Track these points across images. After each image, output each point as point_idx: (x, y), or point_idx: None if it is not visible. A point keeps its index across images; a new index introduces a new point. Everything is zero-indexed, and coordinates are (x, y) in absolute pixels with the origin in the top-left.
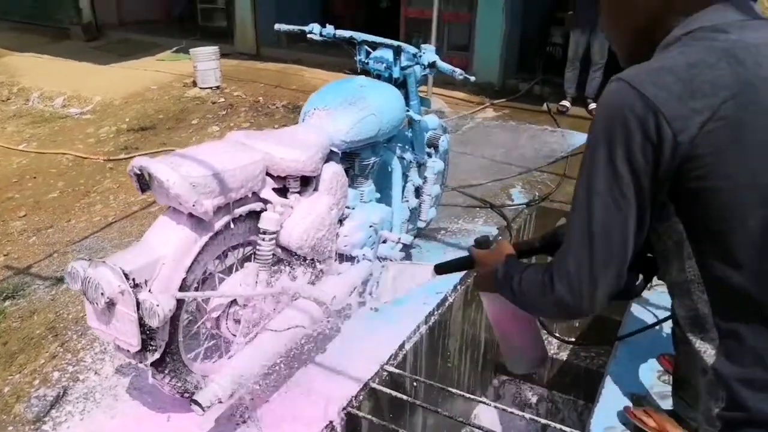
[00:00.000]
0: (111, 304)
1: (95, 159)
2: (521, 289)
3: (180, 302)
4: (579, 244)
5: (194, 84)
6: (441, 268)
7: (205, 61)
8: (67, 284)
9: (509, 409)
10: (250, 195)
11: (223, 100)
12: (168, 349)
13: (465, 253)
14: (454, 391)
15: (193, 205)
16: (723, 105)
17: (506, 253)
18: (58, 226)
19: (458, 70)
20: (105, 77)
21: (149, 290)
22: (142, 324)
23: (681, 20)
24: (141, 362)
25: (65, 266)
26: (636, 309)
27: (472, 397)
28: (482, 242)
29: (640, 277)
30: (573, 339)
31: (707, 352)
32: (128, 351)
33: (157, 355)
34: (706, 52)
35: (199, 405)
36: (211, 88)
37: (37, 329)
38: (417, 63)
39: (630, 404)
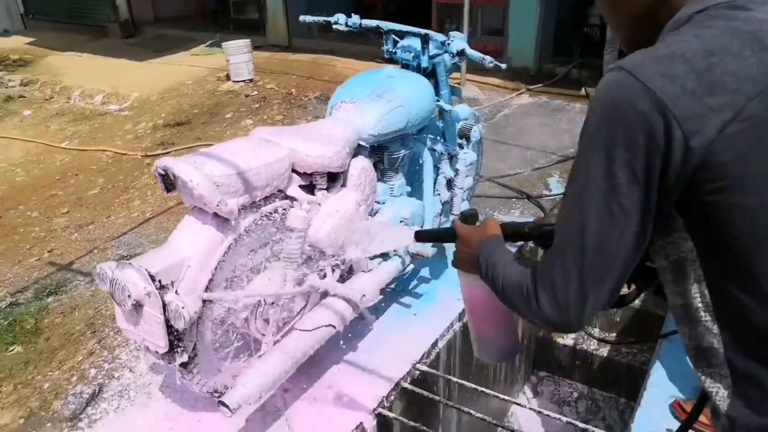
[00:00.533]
0: (138, 306)
1: (133, 155)
2: (503, 289)
3: (207, 303)
4: (569, 256)
5: (228, 77)
6: (421, 236)
7: (238, 55)
8: (97, 285)
9: (545, 412)
10: (276, 193)
11: (256, 93)
12: (196, 349)
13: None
14: (488, 391)
15: (218, 205)
16: (749, 103)
17: (491, 234)
18: (99, 222)
19: (488, 58)
20: (142, 73)
21: (175, 292)
22: (169, 325)
23: None
24: (169, 363)
25: (105, 261)
26: None
27: (507, 398)
28: (468, 216)
29: (632, 285)
30: (613, 336)
31: (719, 393)
32: (156, 352)
33: (185, 356)
34: (726, 36)
35: (227, 407)
36: (244, 81)
37: (77, 325)
38: (446, 51)
39: (677, 396)
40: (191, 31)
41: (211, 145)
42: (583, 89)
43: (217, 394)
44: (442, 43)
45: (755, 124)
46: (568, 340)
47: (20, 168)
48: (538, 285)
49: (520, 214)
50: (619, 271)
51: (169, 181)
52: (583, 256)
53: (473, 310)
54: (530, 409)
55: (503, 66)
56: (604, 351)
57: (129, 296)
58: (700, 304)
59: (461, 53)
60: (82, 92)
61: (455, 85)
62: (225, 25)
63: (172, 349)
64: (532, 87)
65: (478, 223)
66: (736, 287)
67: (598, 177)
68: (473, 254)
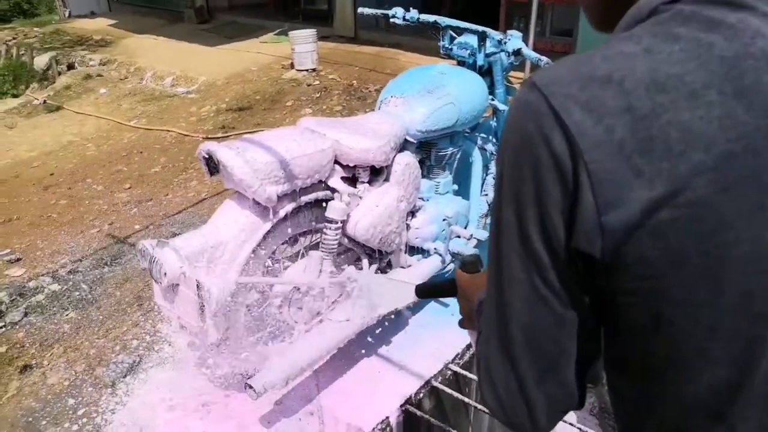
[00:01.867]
0: (174, 284)
1: (195, 137)
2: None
3: (241, 286)
4: (500, 350)
5: (292, 66)
6: (422, 291)
7: (303, 44)
8: (138, 261)
9: (575, 425)
10: (317, 183)
11: (318, 82)
12: (228, 331)
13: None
14: None
15: (257, 191)
16: (695, 179)
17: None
18: (157, 199)
19: (544, 59)
20: (211, 58)
21: (210, 273)
22: (202, 305)
23: None
24: (202, 342)
25: (158, 238)
26: None
27: None
28: (468, 264)
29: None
30: None
31: None
32: (190, 330)
33: (217, 336)
34: (691, 62)
35: (253, 389)
36: (307, 70)
37: (126, 297)
38: (502, 50)
39: None
40: (262, 19)
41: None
42: None
43: (246, 376)
44: (499, 42)
45: (698, 215)
46: None
47: (91, 143)
48: (480, 375)
49: None
50: (562, 366)
51: (212, 165)
52: (512, 351)
53: None
54: (565, 422)
55: None
56: None
57: (165, 274)
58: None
59: (517, 52)
60: (154, 74)
61: (512, 85)
62: (295, 15)
63: (205, 328)
64: None
65: (481, 271)
66: (639, 409)
67: (513, 240)
68: (466, 308)
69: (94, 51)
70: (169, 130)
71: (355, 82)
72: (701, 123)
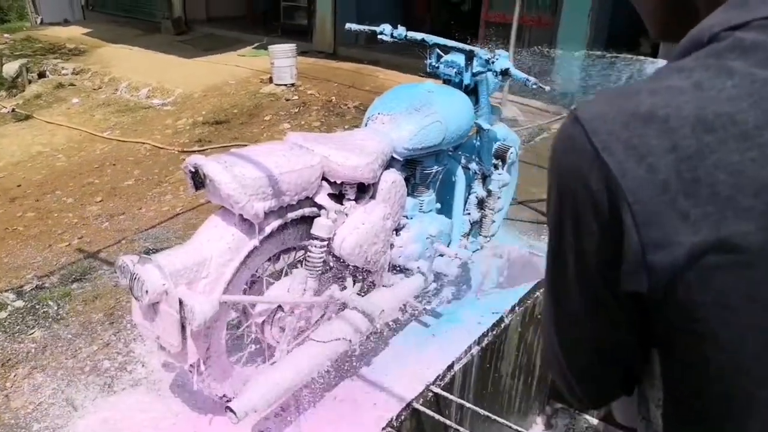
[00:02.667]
0: (155, 302)
1: (170, 149)
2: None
3: (224, 305)
4: (550, 351)
5: (270, 80)
6: None
7: (282, 58)
8: (118, 277)
9: None
10: (304, 199)
11: (296, 97)
12: (209, 351)
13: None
14: (501, 421)
15: (244, 207)
16: (744, 224)
17: None
18: (130, 213)
19: (532, 79)
20: (188, 70)
21: (193, 291)
22: (184, 325)
23: None
24: (181, 363)
25: (131, 253)
26: None
27: (520, 429)
28: None
29: None
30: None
31: None
32: (169, 351)
33: (197, 357)
34: (743, 99)
35: (234, 413)
36: (286, 85)
37: (96, 314)
38: (489, 69)
39: None
40: (240, 32)
41: (246, 145)
42: None
43: (225, 399)
44: (487, 61)
45: (747, 261)
46: None
47: (62, 154)
48: (545, 358)
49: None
50: (612, 369)
51: (198, 179)
52: (561, 354)
53: None
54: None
55: (547, 88)
56: None
57: (146, 292)
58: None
59: (505, 73)
60: (129, 84)
61: (495, 104)
62: (274, 29)
63: (185, 348)
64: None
65: None
66: None
67: (557, 262)
68: None
69: (67, 59)
70: (143, 143)
71: (334, 98)
72: (753, 165)
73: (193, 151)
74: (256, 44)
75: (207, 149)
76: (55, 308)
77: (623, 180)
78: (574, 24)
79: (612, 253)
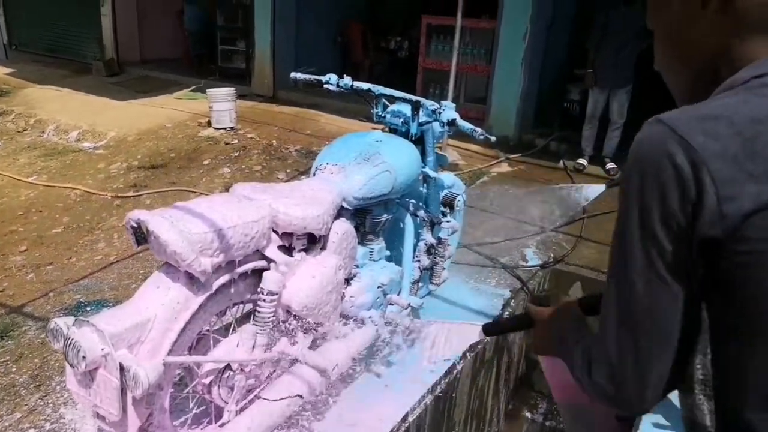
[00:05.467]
0: (93, 369)
1: (103, 195)
2: (571, 366)
3: (167, 366)
4: (621, 328)
5: (209, 124)
6: (491, 329)
7: (221, 102)
8: (49, 342)
9: None
10: (252, 252)
11: (236, 141)
12: (151, 417)
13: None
14: None
15: (191, 264)
16: None
17: (570, 311)
18: (59, 263)
19: (479, 130)
20: (121, 113)
21: (135, 355)
22: (124, 391)
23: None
24: None
25: (59, 306)
26: None
27: None
28: (542, 299)
29: None
30: None
31: None
32: (108, 419)
33: (138, 424)
34: None
35: None
36: (225, 128)
37: (20, 377)
38: (436, 119)
39: None
40: (177, 74)
41: (185, 190)
42: (561, 161)
43: None
44: (433, 111)
45: None
46: (537, 415)
47: None
48: (593, 363)
49: (496, 283)
50: (676, 342)
51: (140, 234)
52: (636, 327)
53: (563, 394)
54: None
55: (493, 138)
56: None
57: (83, 358)
58: (700, 376)
59: (452, 123)
60: (57, 127)
61: (441, 153)
62: (211, 72)
63: (125, 416)
64: (511, 156)
65: (554, 303)
66: (743, 369)
67: (638, 237)
68: (550, 336)
69: None
70: (73, 188)
71: (274, 141)
72: None
73: (128, 197)
74: (193, 87)
75: (143, 194)
76: None
77: (704, 153)
78: (508, 72)
79: (692, 208)
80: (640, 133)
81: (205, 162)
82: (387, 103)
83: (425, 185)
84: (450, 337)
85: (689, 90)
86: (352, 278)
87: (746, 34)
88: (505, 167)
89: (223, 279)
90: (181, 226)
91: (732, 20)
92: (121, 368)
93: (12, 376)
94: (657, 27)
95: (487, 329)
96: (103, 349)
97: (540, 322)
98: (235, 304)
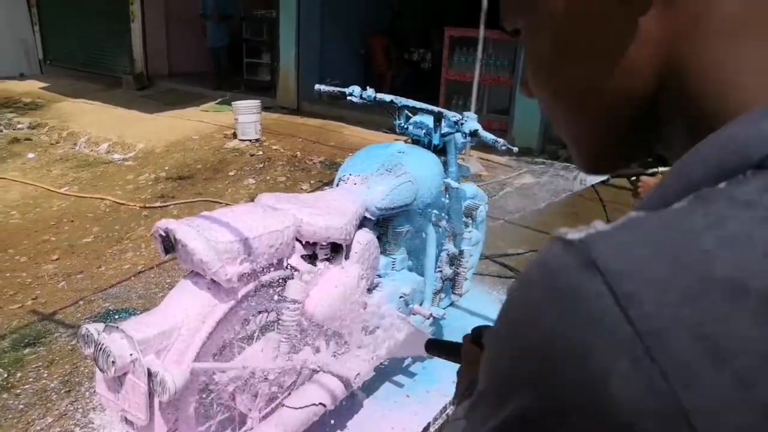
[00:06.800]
0: (122, 374)
1: (132, 206)
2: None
3: (195, 373)
4: None
5: (234, 136)
6: (431, 348)
7: (247, 114)
8: (80, 347)
9: None
10: (277, 261)
11: (261, 153)
12: (177, 422)
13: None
14: None
15: (217, 272)
16: None
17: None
18: (89, 272)
19: (501, 141)
20: (150, 125)
21: (162, 361)
22: (152, 396)
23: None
24: None
25: (89, 314)
26: None
27: None
28: (478, 335)
29: None
30: None
31: None
32: (135, 424)
33: (165, 429)
34: None
35: None
36: (250, 140)
37: (51, 382)
38: (458, 130)
39: None
40: (203, 87)
41: (211, 201)
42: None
43: None
44: (455, 123)
45: None
46: None
47: (16, 210)
48: None
49: None
50: None
51: (168, 243)
52: None
53: None
54: None
55: (515, 149)
56: None
57: (113, 363)
58: None
59: (474, 134)
60: (88, 139)
61: (463, 163)
62: (236, 85)
63: (152, 421)
64: (535, 167)
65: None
66: None
67: None
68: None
69: (23, 114)
70: (103, 198)
71: (299, 153)
72: None
73: (156, 207)
74: (219, 99)
75: (170, 205)
76: (5, 375)
77: (686, 393)
78: None
79: None
80: (540, 262)
81: (231, 173)
82: (409, 114)
83: (447, 196)
84: (407, 340)
85: (595, 136)
86: (374, 288)
87: (725, 42)
88: (528, 178)
89: (248, 287)
90: (207, 235)
91: (689, 18)
92: (149, 374)
93: (44, 381)
94: (530, 30)
95: (428, 346)
96: (131, 355)
97: (466, 362)
98: (259, 312)
